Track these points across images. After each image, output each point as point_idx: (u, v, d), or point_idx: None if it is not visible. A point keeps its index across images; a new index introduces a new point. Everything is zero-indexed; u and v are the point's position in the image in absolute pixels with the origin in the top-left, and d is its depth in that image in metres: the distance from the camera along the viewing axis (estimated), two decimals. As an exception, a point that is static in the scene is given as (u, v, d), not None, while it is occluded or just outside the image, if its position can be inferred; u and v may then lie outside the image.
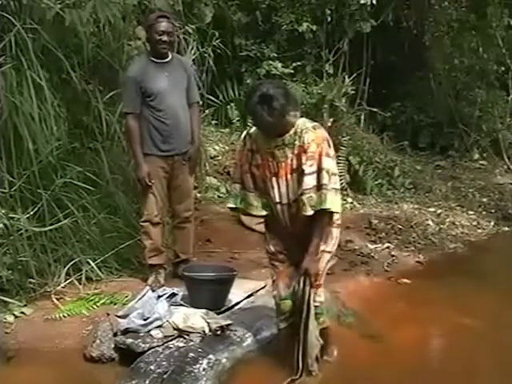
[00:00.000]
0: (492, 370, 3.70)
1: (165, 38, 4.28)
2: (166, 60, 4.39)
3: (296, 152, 3.19)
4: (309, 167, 3.14)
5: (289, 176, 3.24)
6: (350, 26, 8.82)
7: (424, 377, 3.58)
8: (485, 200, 7.77)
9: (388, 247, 5.97)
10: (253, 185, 3.38)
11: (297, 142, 3.17)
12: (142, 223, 4.52)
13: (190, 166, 4.53)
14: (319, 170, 3.13)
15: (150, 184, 4.37)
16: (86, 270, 4.52)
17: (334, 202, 3.16)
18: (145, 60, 4.42)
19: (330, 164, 3.17)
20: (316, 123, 3.27)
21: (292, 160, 3.21)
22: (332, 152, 3.22)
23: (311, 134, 3.16)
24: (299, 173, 3.19)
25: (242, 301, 4.13)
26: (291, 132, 3.19)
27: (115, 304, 4.22)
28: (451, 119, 9.55)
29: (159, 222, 4.53)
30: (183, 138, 4.45)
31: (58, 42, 4.68)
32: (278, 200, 3.31)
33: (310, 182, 3.15)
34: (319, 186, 3.13)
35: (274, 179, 3.28)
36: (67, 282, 4.44)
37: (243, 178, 3.39)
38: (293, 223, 3.33)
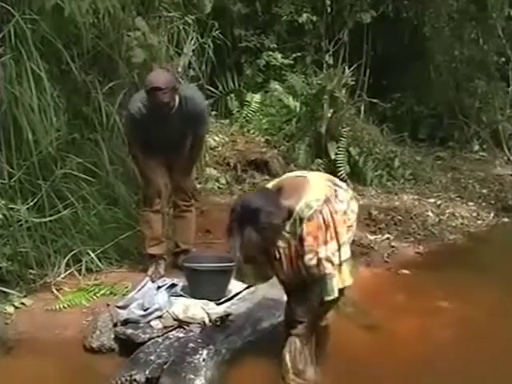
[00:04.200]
0: (492, 361, 3.69)
1: (163, 109, 4.11)
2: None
3: (298, 241, 3.08)
4: (309, 261, 3.07)
5: (294, 263, 3.16)
6: (350, 16, 8.82)
7: (423, 367, 3.59)
8: (485, 191, 7.76)
9: (388, 238, 5.96)
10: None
11: (298, 231, 3.06)
12: (141, 212, 4.53)
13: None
14: (319, 261, 3.05)
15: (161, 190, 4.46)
16: (86, 261, 4.53)
17: (337, 285, 3.11)
18: (147, 103, 4.18)
19: (327, 250, 3.06)
20: (315, 206, 3.05)
21: (296, 247, 3.10)
22: (330, 235, 3.06)
23: (305, 227, 3.03)
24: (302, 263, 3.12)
25: (241, 291, 4.12)
26: (291, 220, 3.06)
27: (115, 295, 4.23)
28: (451, 110, 9.52)
29: (159, 210, 4.54)
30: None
31: (58, 32, 4.64)
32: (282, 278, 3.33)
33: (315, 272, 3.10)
34: (323, 276, 3.09)
35: (276, 264, 3.23)
36: (67, 272, 4.45)
37: None
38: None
